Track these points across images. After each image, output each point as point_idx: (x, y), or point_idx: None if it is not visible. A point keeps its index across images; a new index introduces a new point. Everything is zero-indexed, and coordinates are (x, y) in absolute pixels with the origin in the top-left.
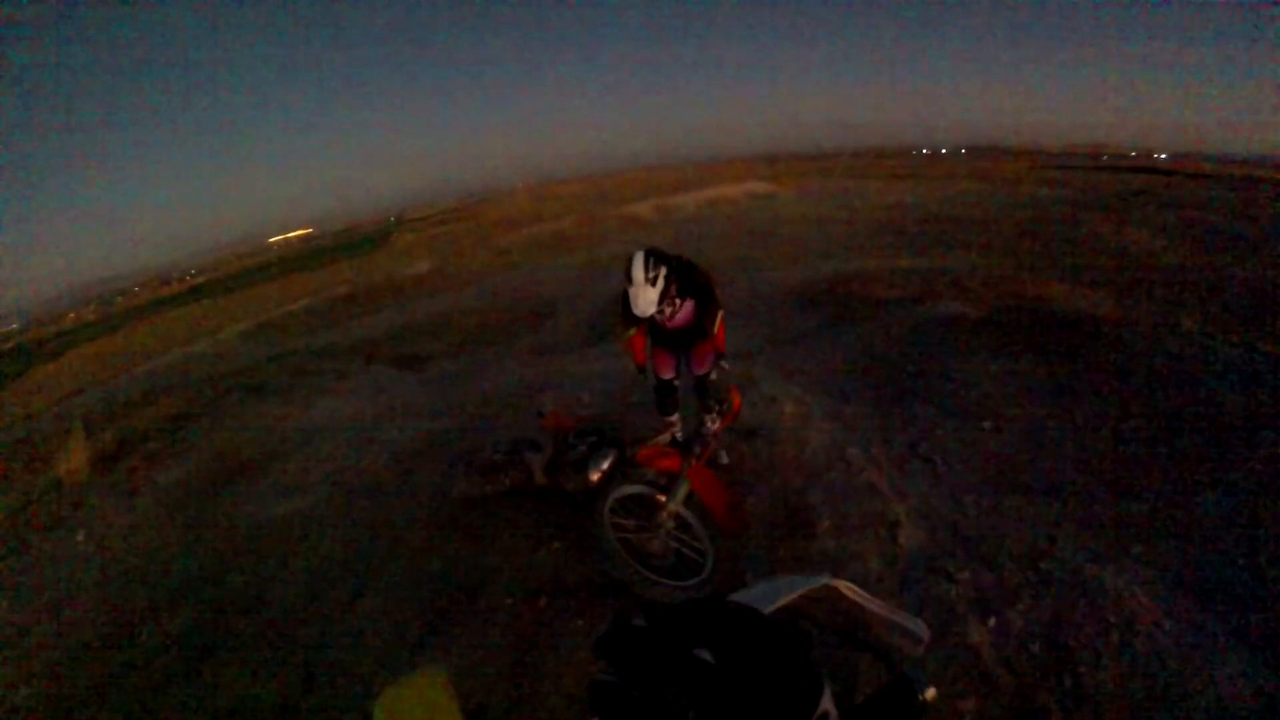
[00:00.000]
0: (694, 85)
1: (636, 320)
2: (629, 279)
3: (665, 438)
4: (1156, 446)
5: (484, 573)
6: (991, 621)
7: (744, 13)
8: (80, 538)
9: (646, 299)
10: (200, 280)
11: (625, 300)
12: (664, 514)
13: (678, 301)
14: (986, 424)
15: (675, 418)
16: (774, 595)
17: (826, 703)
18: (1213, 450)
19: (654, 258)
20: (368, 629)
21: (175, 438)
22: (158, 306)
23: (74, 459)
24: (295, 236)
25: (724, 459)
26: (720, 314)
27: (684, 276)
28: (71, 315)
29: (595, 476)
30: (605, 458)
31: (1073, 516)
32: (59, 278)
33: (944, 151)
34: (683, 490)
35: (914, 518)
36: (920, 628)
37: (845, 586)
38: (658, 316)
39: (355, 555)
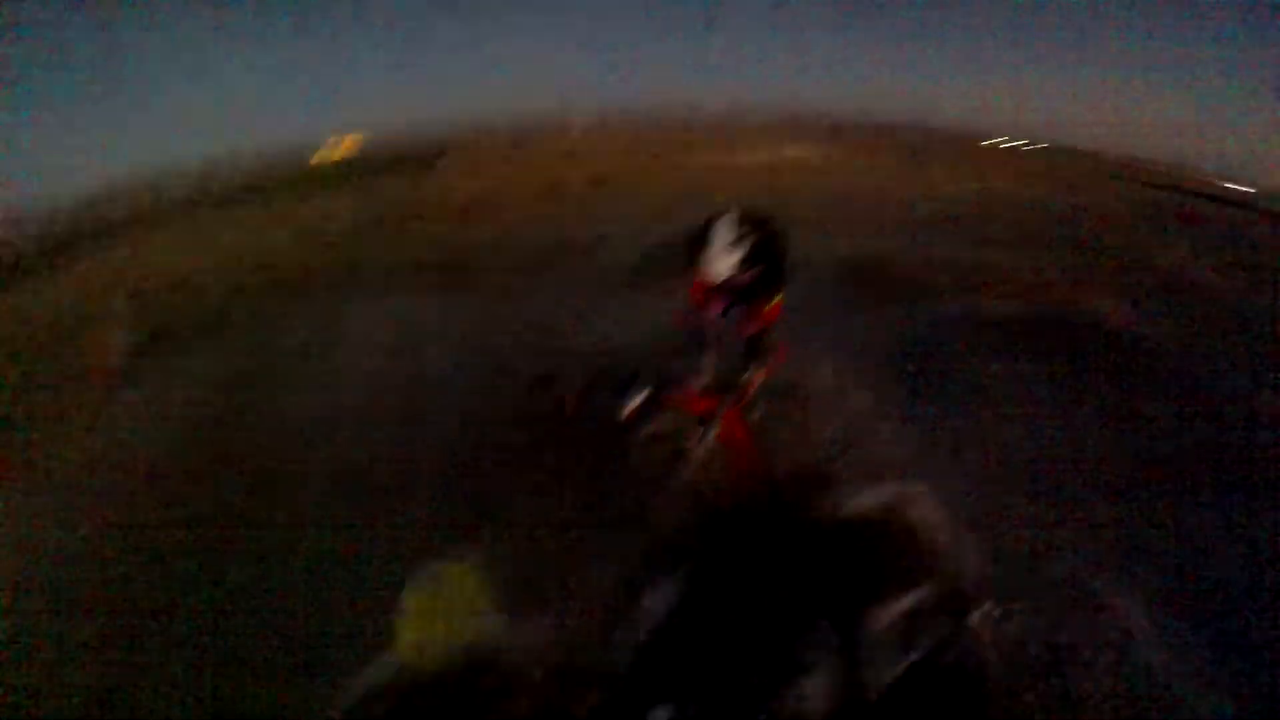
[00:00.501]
0: (766, 34)
1: (697, 272)
2: (709, 238)
3: (700, 382)
4: (1178, 469)
5: (511, 495)
6: (997, 612)
7: None
8: (120, 409)
9: (720, 265)
10: (250, 181)
11: (691, 248)
12: (692, 451)
13: (749, 275)
14: (1015, 424)
15: (709, 363)
16: (878, 498)
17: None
18: (1224, 478)
19: (746, 225)
20: (391, 529)
21: (215, 332)
22: (203, 204)
23: (112, 346)
24: (348, 146)
25: (756, 414)
26: (781, 295)
27: (765, 248)
28: (118, 207)
29: (628, 411)
30: (638, 394)
31: (1086, 526)
32: (109, 169)
33: (1015, 144)
34: (711, 434)
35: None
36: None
37: (921, 499)
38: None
39: (385, 459)
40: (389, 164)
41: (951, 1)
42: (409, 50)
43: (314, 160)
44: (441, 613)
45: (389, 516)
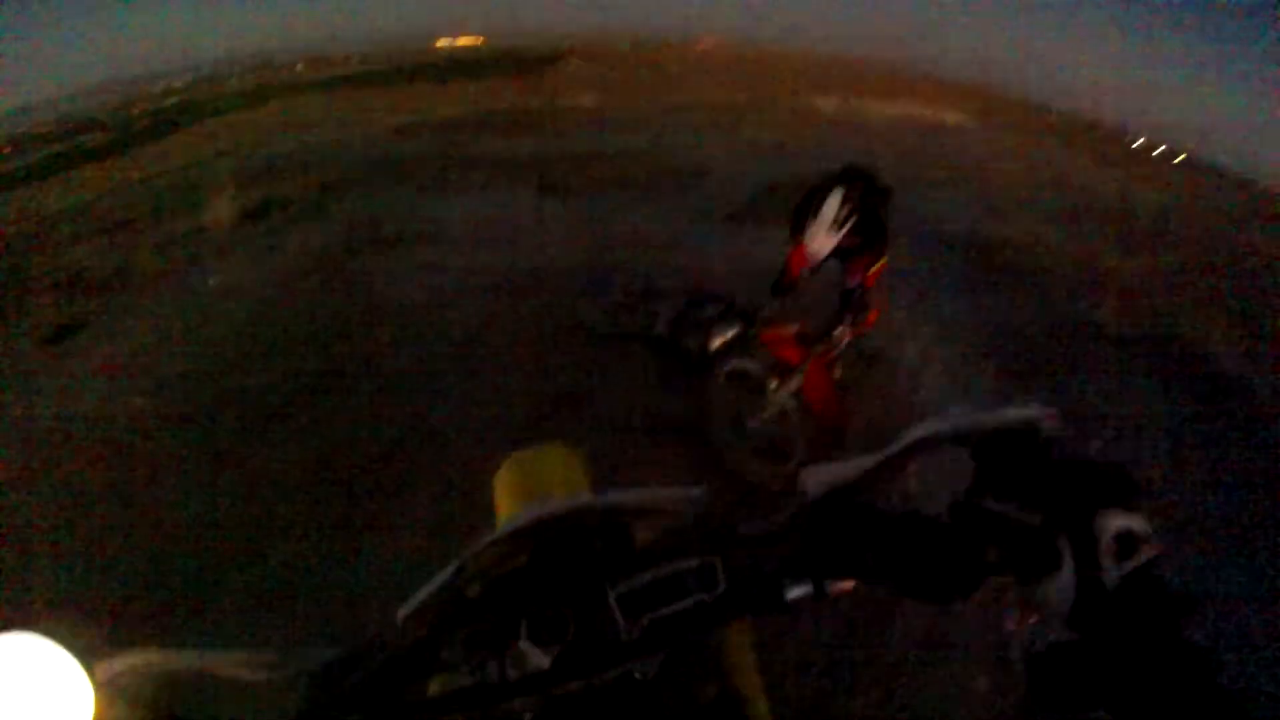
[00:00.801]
0: None
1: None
2: (815, 210)
3: (793, 328)
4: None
5: (588, 394)
6: (1034, 619)
7: None
8: (213, 281)
9: (821, 243)
10: (361, 69)
11: (798, 216)
12: (773, 396)
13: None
14: (1096, 441)
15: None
16: (976, 419)
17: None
18: None
19: (853, 200)
20: (473, 409)
21: (318, 206)
22: (317, 87)
23: (221, 210)
24: (464, 44)
25: (838, 372)
26: (884, 259)
27: (870, 215)
28: (233, 81)
29: (717, 343)
30: (730, 327)
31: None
32: (222, 45)
33: (1161, 149)
34: (796, 381)
35: None
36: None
37: (1052, 418)
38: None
39: (476, 345)
40: (508, 62)
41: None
42: None
43: (432, 51)
44: (542, 487)
45: (466, 402)
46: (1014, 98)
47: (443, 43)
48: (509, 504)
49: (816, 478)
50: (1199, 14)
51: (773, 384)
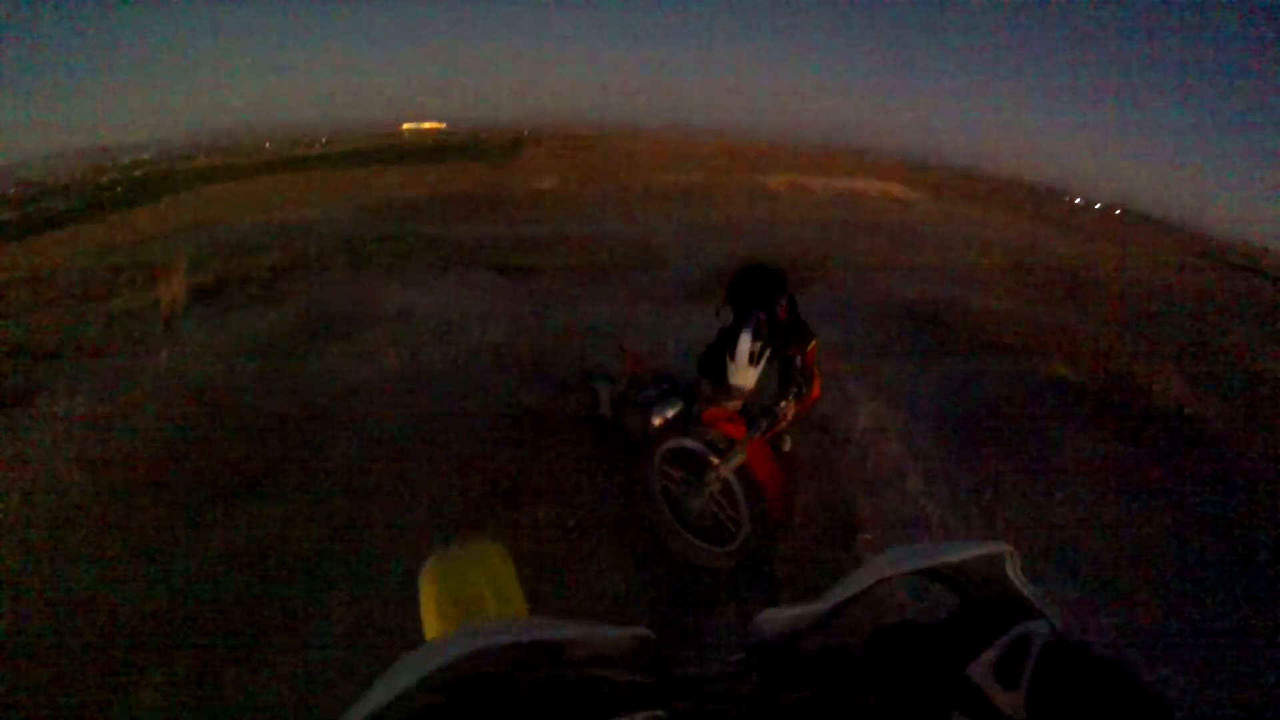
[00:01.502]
0: (846, 70)
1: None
2: (731, 354)
3: (735, 405)
4: (1229, 575)
5: (527, 483)
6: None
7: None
8: (163, 356)
9: (745, 378)
10: (329, 149)
11: (712, 355)
12: (713, 475)
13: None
14: (1058, 494)
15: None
16: (942, 553)
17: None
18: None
19: (762, 333)
20: (407, 505)
21: (273, 287)
22: (284, 165)
23: (174, 286)
24: (428, 128)
25: (787, 445)
26: (814, 346)
27: (784, 328)
28: (203, 157)
29: (658, 421)
30: (672, 406)
31: (1119, 617)
32: (193, 120)
33: (1098, 206)
34: (737, 459)
35: None
36: (1056, 614)
37: (1012, 556)
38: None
39: (414, 435)
40: (470, 148)
41: (1059, 53)
42: (499, 41)
43: (398, 135)
44: (469, 590)
45: (400, 497)
46: (956, 169)
47: (408, 126)
48: (434, 611)
49: (770, 621)
50: (1119, 72)
51: (714, 462)
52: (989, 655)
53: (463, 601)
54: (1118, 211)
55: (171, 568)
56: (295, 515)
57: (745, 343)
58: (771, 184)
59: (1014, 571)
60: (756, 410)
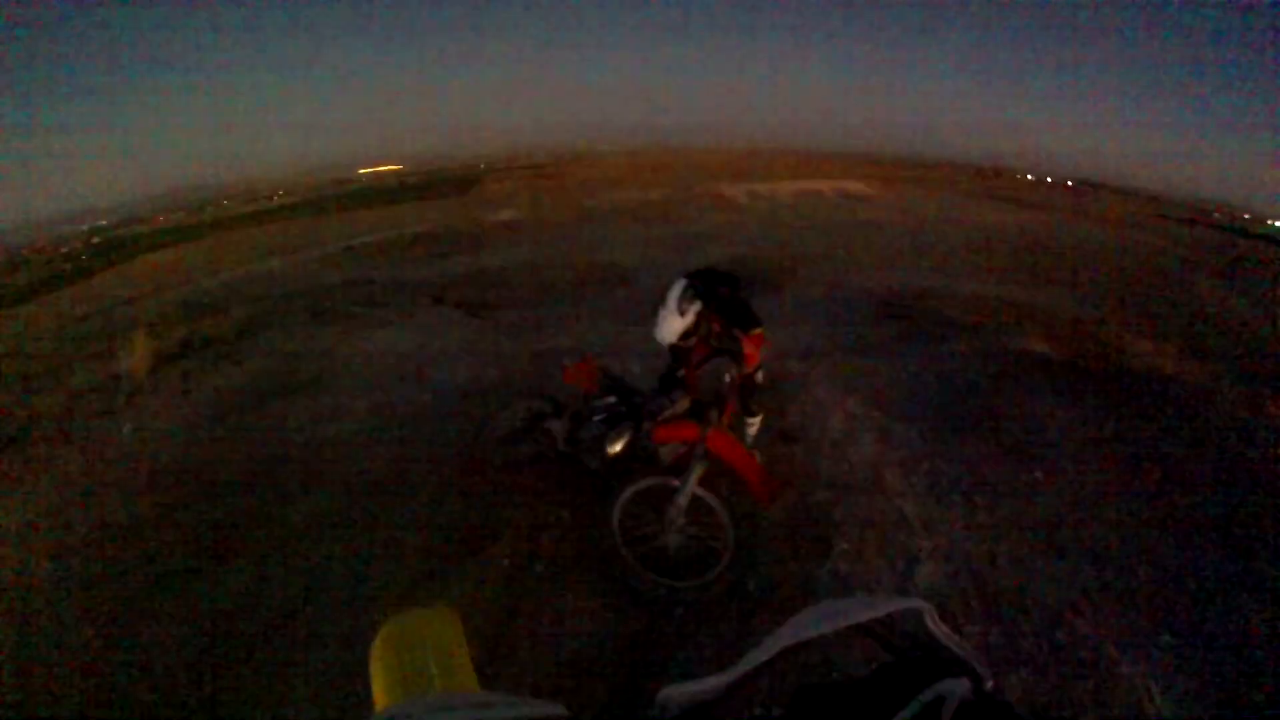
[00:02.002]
0: (794, 70)
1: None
2: (662, 301)
3: (681, 406)
4: (1215, 533)
5: (492, 527)
6: (988, 684)
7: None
8: (126, 430)
9: (668, 327)
10: (287, 200)
11: (654, 309)
12: (675, 509)
13: (706, 344)
14: (1039, 473)
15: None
16: (856, 611)
17: None
18: (1267, 539)
19: (694, 291)
20: (373, 559)
21: (236, 347)
22: (244, 220)
23: (136, 355)
24: (385, 171)
25: (757, 456)
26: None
27: (725, 305)
28: (160, 218)
29: (614, 450)
30: (621, 435)
31: (1108, 589)
32: (150, 182)
33: (1049, 180)
34: (698, 470)
35: (937, 557)
36: (983, 668)
37: (929, 612)
38: (679, 343)
39: (379, 487)
40: (428, 186)
41: (997, 38)
42: (450, 78)
43: (355, 180)
44: (416, 660)
45: (366, 552)
46: (906, 159)
47: (365, 170)
48: (382, 683)
49: (675, 697)
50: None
51: (673, 486)
52: (903, 715)
53: (407, 673)
54: (1069, 183)
55: (145, 646)
56: (261, 579)
57: (677, 289)
58: (730, 192)
59: (935, 626)
60: (706, 404)
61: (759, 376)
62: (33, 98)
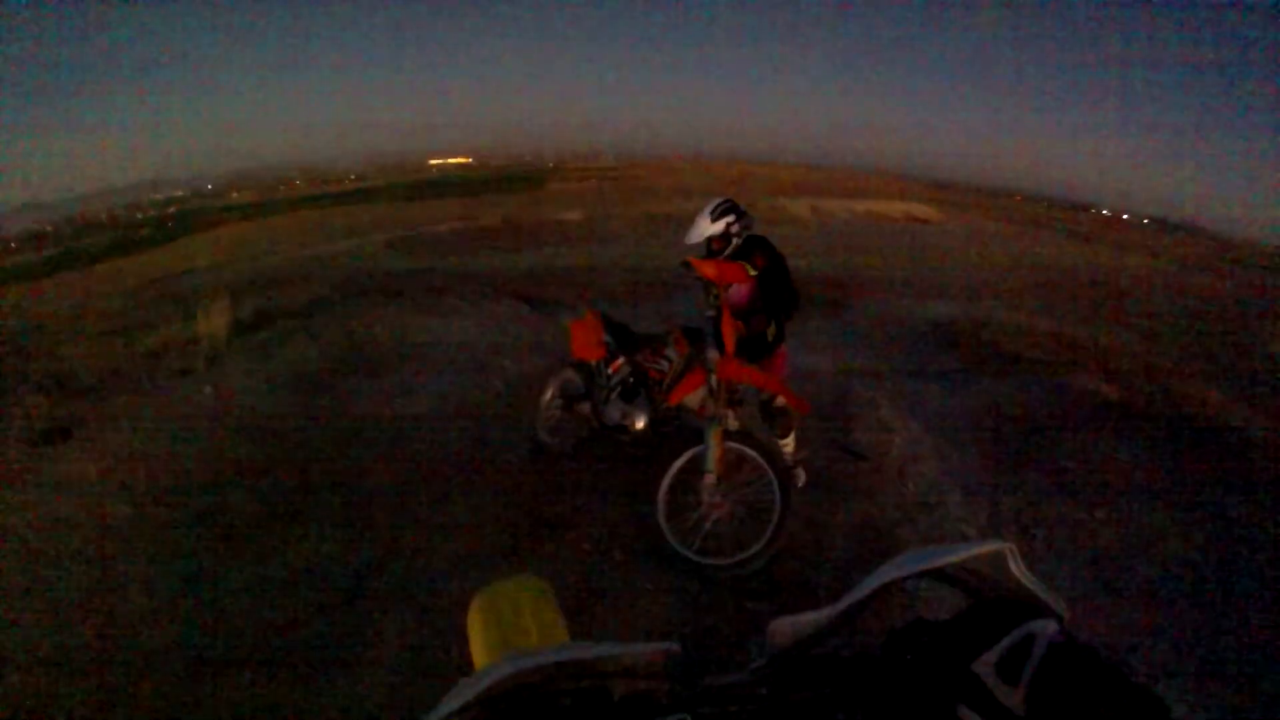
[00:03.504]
0: (871, 92)
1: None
2: (699, 213)
3: (677, 363)
4: (1272, 589)
5: (568, 513)
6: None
7: (945, 26)
8: (207, 390)
9: (698, 228)
10: (359, 185)
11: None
12: (706, 483)
13: (730, 257)
14: (1098, 512)
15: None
16: (944, 555)
17: None
18: None
19: (728, 205)
20: (448, 535)
21: (310, 322)
22: (315, 201)
23: (215, 321)
24: (455, 163)
25: (801, 479)
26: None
27: (752, 246)
28: (234, 194)
29: (639, 427)
30: (640, 409)
31: (1162, 634)
32: (226, 159)
33: (1125, 217)
34: (712, 436)
35: None
36: (1063, 606)
37: (1012, 554)
38: (711, 244)
39: (451, 466)
40: (496, 181)
41: (1075, 76)
42: (522, 77)
43: (426, 169)
44: (510, 623)
45: (440, 526)
46: (977, 187)
47: (435, 161)
48: (481, 644)
49: (783, 628)
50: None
51: (707, 476)
52: (994, 652)
53: (507, 633)
54: (1145, 221)
55: (219, 595)
56: (338, 542)
57: (714, 201)
58: (792, 207)
59: (1016, 567)
60: (701, 346)
61: (778, 401)
62: (113, 72)
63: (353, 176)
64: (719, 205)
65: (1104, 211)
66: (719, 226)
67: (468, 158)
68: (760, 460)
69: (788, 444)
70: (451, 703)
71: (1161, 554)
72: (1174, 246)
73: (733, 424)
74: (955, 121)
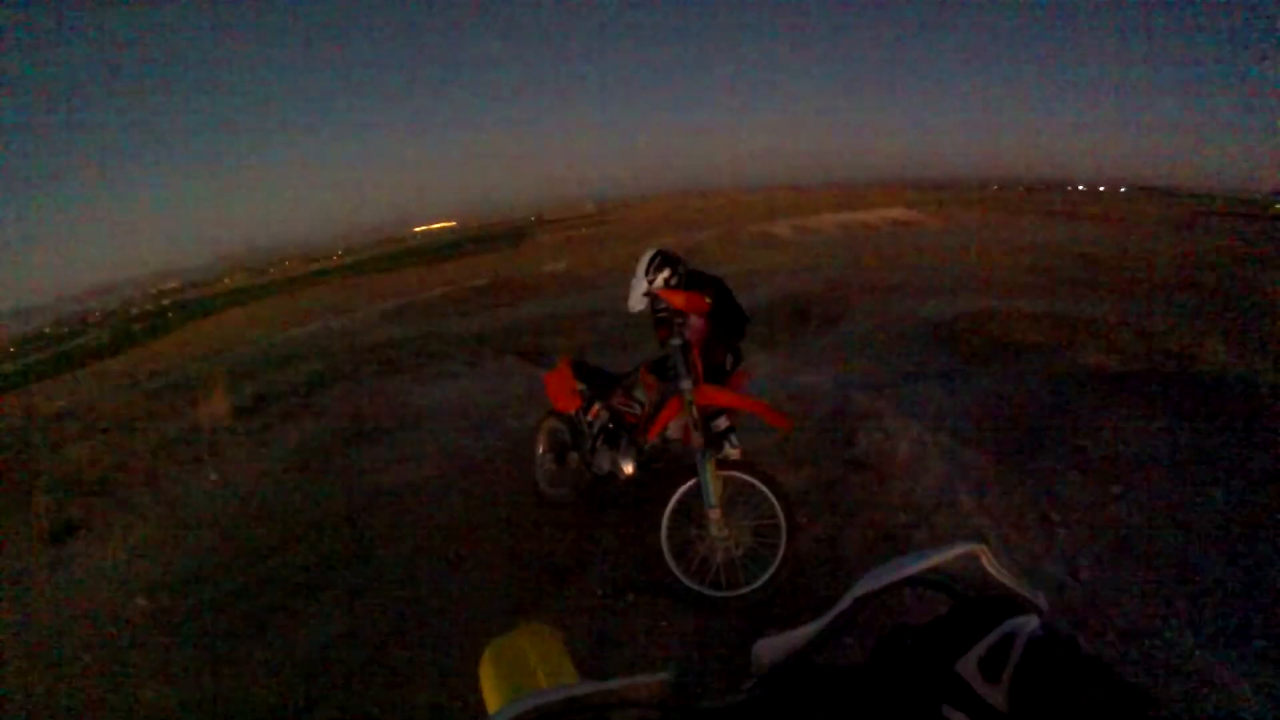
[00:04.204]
0: (839, 105)
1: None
2: (634, 272)
3: (650, 400)
4: None
5: (577, 560)
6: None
7: (901, 31)
8: (212, 476)
9: (638, 291)
10: (347, 260)
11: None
12: (712, 525)
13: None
14: (1115, 488)
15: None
16: (917, 562)
17: None
18: None
19: (661, 257)
20: (461, 596)
21: (309, 399)
22: (305, 280)
23: (215, 407)
24: (439, 228)
25: (736, 453)
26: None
27: (696, 283)
28: (226, 280)
29: (628, 471)
30: (626, 454)
31: (1194, 598)
32: (216, 246)
33: (1101, 189)
34: (706, 466)
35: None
36: (1041, 600)
37: (984, 554)
38: (662, 294)
39: (460, 527)
40: (481, 241)
41: (1029, 58)
42: (499, 135)
43: (411, 237)
44: (520, 670)
45: (453, 589)
46: (953, 182)
47: (420, 228)
48: (493, 693)
49: (768, 648)
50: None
51: (711, 513)
52: (976, 651)
53: (517, 680)
54: (1122, 190)
55: (240, 679)
56: (355, 615)
57: (645, 258)
58: (777, 230)
59: (991, 566)
60: (672, 379)
61: (719, 423)
62: (98, 170)
63: (340, 252)
64: (651, 261)
65: (1079, 187)
66: (658, 283)
67: (451, 221)
68: (758, 484)
69: (734, 451)
70: None
71: (1187, 519)
72: (1154, 210)
73: (731, 453)
74: (922, 123)
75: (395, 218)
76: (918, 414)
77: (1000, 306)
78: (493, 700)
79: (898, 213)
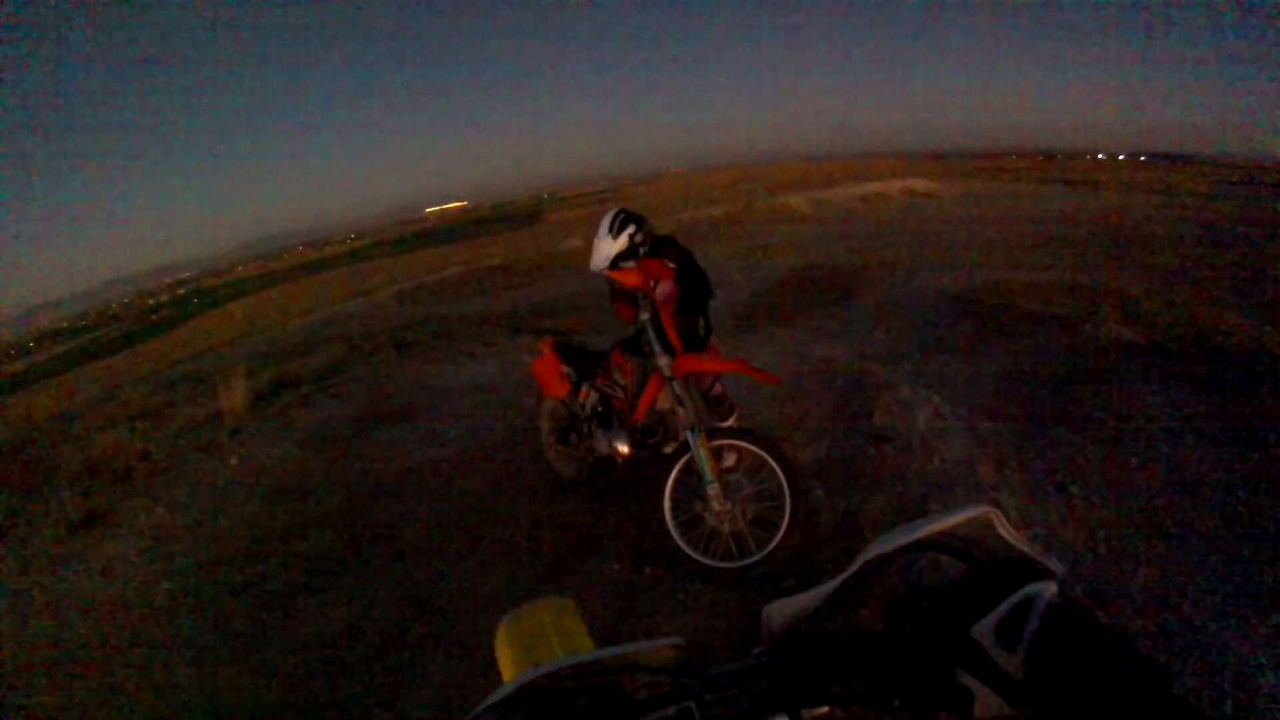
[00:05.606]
0: (856, 77)
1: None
2: (597, 231)
3: (624, 380)
4: None
5: (597, 536)
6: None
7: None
8: (234, 462)
9: (601, 252)
10: (360, 243)
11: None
12: (713, 499)
13: (651, 271)
14: (1135, 459)
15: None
16: (929, 525)
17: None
18: None
19: (624, 215)
20: (483, 574)
21: (328, 384)
22: (319, 265)
23: (234, 394)
24: (452, 208)
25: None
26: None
27: (659, 246)
28: (240, 268)
29: (623, 452)
30: (618, 436)
31: (1214, 571)
32: (229, 234)
33: (1121, 158)
34: (696, 440)
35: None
36: (1057, 565)
37: (997, 517)
38: (618, 261)
39: (480, 506)
40: (494, 220)
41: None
42: (511, 113)
43: (423, 219)
44: (535, 641)
45: (475, 567)
46: (973, 152)
47: (432, 209)
48: (509, 663)
49: (777, 612)
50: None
51: (709, 491)
52: (993, 616)
53: (532, 651)
54: (1143, 159)
55: (267, 659)
56: (377, 595)
57: (607, 218)
58: (794, 203)
59: (1005, 529)
60: (647, 355)
61: (715, 389)
62: (113, 162)
63: (353, 236)
64: (615, 219)
65: (1100, 156)
66: (622, 242)
67: (464, 201)
68: (755, 449)
69: (731, 423)
70: (475, 712)
71: (1208, 492)
72: (1176, 179)
73: (727, 421)
74: (942, 92)
75: (407, 201)
76: (937, 386)
77: (1019, 277)
78: (509, 672)
79: (917, 184)
